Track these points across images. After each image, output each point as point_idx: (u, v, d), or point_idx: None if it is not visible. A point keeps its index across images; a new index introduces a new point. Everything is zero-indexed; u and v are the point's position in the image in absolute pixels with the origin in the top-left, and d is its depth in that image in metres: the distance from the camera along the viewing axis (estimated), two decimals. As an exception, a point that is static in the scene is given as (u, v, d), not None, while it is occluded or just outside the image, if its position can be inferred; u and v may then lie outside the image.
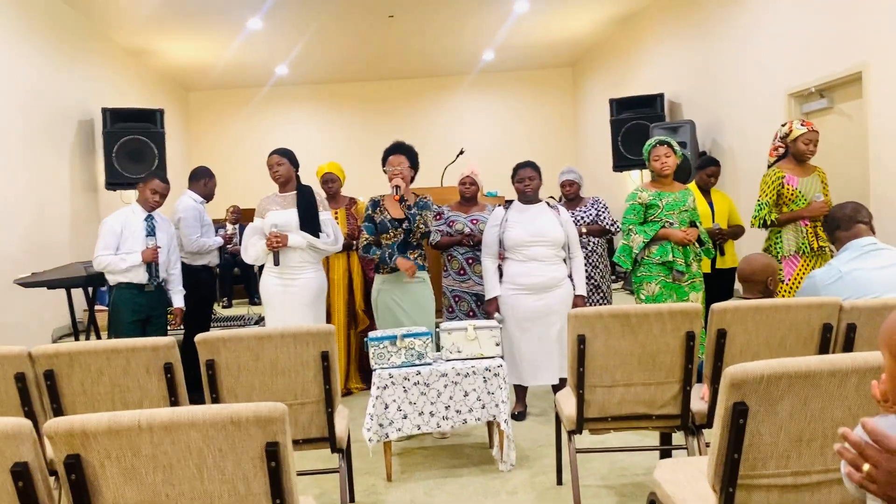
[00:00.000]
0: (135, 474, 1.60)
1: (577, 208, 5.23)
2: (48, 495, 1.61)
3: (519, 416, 4.39)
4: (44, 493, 1.60)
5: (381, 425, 3.48)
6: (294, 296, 4.21)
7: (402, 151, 4.27)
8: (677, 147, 4.23)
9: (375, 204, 4.29)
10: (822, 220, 4.16)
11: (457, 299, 4.80)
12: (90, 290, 5.32)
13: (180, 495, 1.62)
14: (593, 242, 5.25)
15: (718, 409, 1.80)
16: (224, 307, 8.88)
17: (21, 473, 1.55)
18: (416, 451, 3.95)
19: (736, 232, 5.20)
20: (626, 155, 7.77)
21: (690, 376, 2.86)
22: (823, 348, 2.75)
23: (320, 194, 4.49)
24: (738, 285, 4.65)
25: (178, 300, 4.69)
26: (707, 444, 2.92)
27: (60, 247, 6.73)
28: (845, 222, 3.22)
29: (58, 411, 2.70)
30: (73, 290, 5.34)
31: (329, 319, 5.17)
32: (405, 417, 3.50)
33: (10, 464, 1.55)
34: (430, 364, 3.56)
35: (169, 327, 4.76)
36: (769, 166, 4.35)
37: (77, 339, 5.63)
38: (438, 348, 3.72)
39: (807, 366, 1.75)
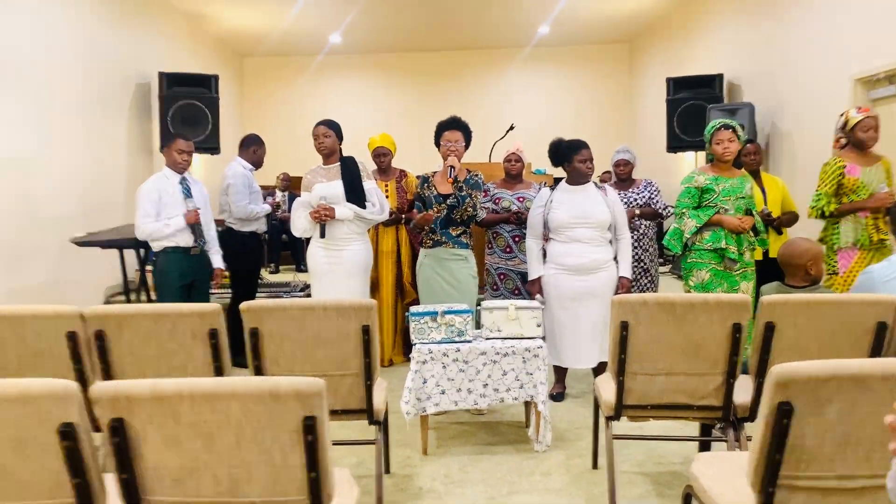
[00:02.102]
0: (175, 440, 1.63)
1: (630, 189, 5.13)
2: (93, 455, 1.66)
3: (557, 396, 4.37)
4: (89, 454, 1.64)
5: (418, 399, 3.50)
6: (340, 267, 4.25)
7: (457, 127, 4.23)
8: (741, 132, 4.09)
9: (425, 181, 4.29)
10: (884, 213, 4.01)
11: (502, 277, 4.78)
12: (142, 250, 5.45)
13: (218, 463, 1.65)
14: (644, 225, 5.16)
15: (762, 408, 1.75)
16: (271, 273, 9.02)
17: (68, 434, 1.60)
18: (453, 426, 3.98)
19: (790, 219, 5.04)
20: (681, 136, 7.59)
21: (735, 369, 2.79)
22: (876, 348, 2.66)
23: (363, 163, 4.49)
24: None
25: (217, 261, 4.69)
26: (748, 438, 2.87)
27: (115, 207, 6.90)
28: None
29: (106, 371, 2.78)
30: (125, 251, 5.48)
31: (377, 291, 5.22)
32: (443, 393, 3.51)
33: (58, 424, 1.60)
34: (469, 341, 3.56)
35: (227, 285, 4.79)
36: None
37: (128, 297, 5.79)
38: (479, 326, 3.72)
39: (858, 368, 1.69)
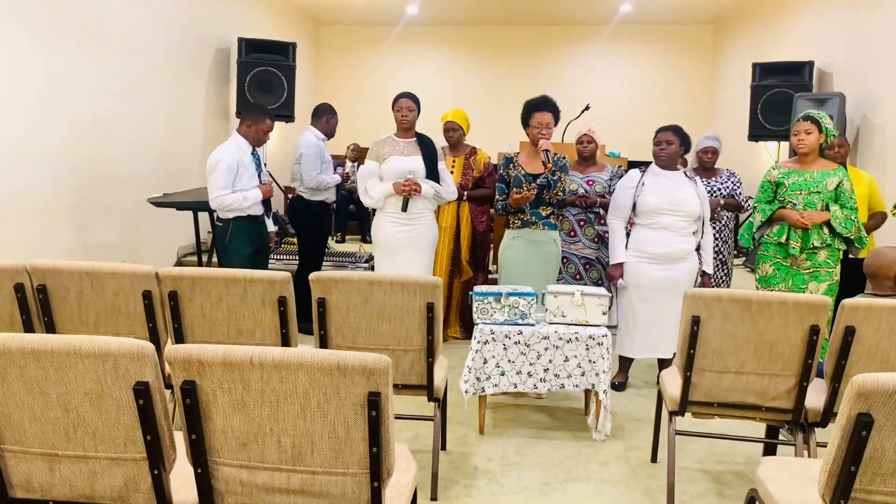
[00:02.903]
0: (243, 406, 1.67)
1: (713, 178, 4.96)
2: (165, 414, 1.71)
3: (619, 386, 4.31)
4: (161, 412, 1.70)
5: (478, 379, 3.50)
6: (411, 241, 4.26)
7: (548, 108, 4.11)
8: (827, 125, 3.89)
9: (508, 161, 4.21)
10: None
11: (565, 261, 4.71)
12: (215, 213, 5.58)
13: (283, 431, 1.68)
14: (726, 217, 5.01)
15: (840, 418, 1.68)
16: (338, 242, 9.14)
17: (142, 392, 1.65)
18: (511, 408, 3.97)
19: (875, 224, 4.78)
20: (765, 124, 7.29)
21: (809, 372, 2.70)
22: (965, 360, 2.52)
23: (436, 142, 4.47)
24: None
25: (269, 224, 4.71)
26: (818, 445, 2.77)
27: (191, 169, 7.08)
28: None
29: (178, 331, 2.87)
30: (199, 213, 5.62)
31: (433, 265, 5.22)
32: (503, 374, 3.50)
33: (134, 382, 1.65)
34: (532, 325, 3.53)
35: (294, 252, 4.81)
36: None
37: (200, 258, 5.96)
38: (544, 310, 3.68)
39: (949, 384, 1.60)
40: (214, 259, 5.84)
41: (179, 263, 6.82)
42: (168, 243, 6.74)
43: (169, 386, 2.16)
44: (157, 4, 6.44)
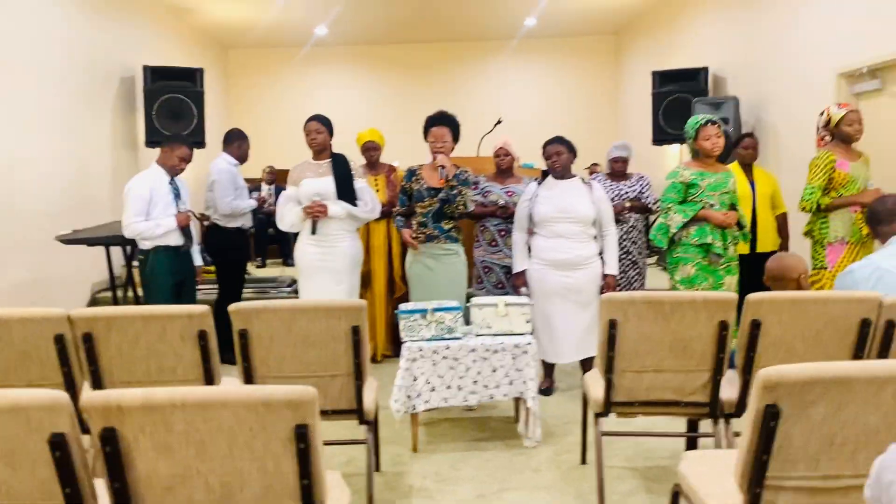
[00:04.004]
0: (167, 449, 1.63)
1: (622, 182, 5.18)
2: (84, 465, 1.66)
3: (546, 391, 4.40)
4: (80, 464, 1.64)
5: (408, 397, 3.52)
6: (330, 264, 4.25)
7: (445, 123, 4.23)
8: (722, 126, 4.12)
9: (412, 174, 4.29)
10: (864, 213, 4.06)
11: (486, 270, 4.79)
12: (129, 247, 5.41)
13: (210, 471, 1.66)
14: (634, 218, 5.20)
15: (750, 411, 1.78)
16: (258, 267, 8.99)
17: (58, 444, 1.59)
18: (442, 422, 4.00)
19: (783, 225, 5.08)
20: (667, 129, 7.60)
21: (721, 365, 2.83)
22: (860, 344, 2.69)
23: (354, 161, 4.49)
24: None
25: (197, 259, 4.70)
26: (735, 434, 2.91)
27: (100, 203, 6.84)
28: (887, 216, 3.11)
29: (95, 374, 2.77)
30: (111, 248, 5.44)
31: (369, 285, 5.22)
32: (433, 390, 3.53)
33: (49, 434, 1.59)
34: (459, 339, 3.58)
35: (213, 280, 4.78)
36: None
37: (115, 294, 5.75)
38: (468, 322, 3.73)
39: (844, 371, 1.72)
40: (130, 294, 5.66)
41: (94, 301, 6.57)
42: (81, 281, 6.49)
43: (86, 431, 2.09)
44: (55, 37, 6.22)
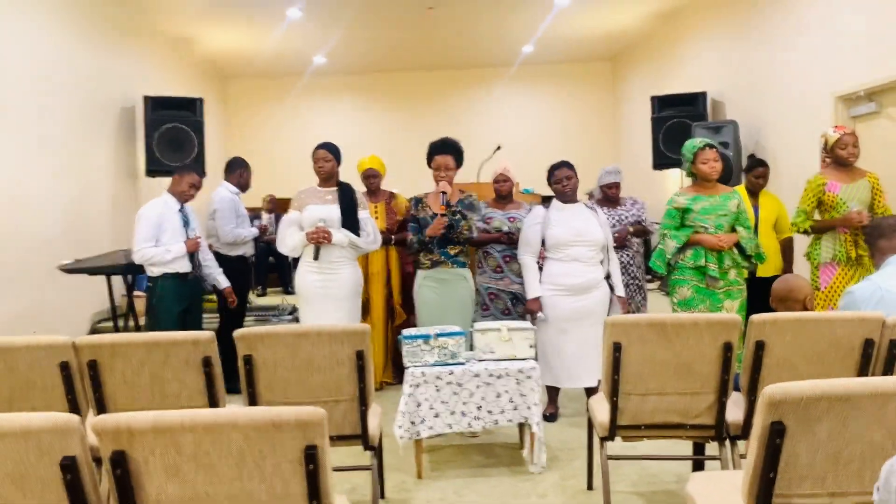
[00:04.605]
0: (177, 472, 1.64)
1: (618, 208, 5.18)
2: (94, 488, 1.66)
3: (551, 417, 4.39)
4: (90, 486, 1.64)
5: (412, 423, 3.51)
6: (331, 291, 4.25)
7: (448, 150, 4.27)
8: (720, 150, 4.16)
9: (418, 202, 4.32)
10: (862, 230, 4.08)
11: (492, 297, 4.79)
12: (129, 276, 5.43)
13: (220, 494, 1.66)
14: (637, 243, 5.22)
15: (755, 428, 1.78)
16: (259, 295, 9.00)
17: (69, 467, 1.60)
18: (447, 449, 3.98)
19: (787, 248, 5.11)
20: (667, 154, 7.67)
21: (727, 387, 2.83)
22: (864, 364, 2.70)
23: (359, 191, 4.52)
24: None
25: (223, 280, 4.80)
26: (741, 456, 2.90)
27: (101, 233, 6.87)
28: (888, 230, 3.13)
29: (100, 400, 2.77)
30: (112, 278, 5.46)
31: (368, 312, 5.21)
32: (437, 416, 3.52)
33: (59, 457, 1.60)
34: (462, 364, 3.58)
35: (213, 310, 4.83)
36: None
37: (116, 324, 5.76)
38: (472, 348, 3.73)
39: (847, 387, 1.73)
40: (132, 324, 5.66)
41: (94, 331, 6.57)
42: (81, 311, 6.49)
43: (95, 459, 2.10)
44: (57, 69, 6.30)
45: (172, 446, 1.61)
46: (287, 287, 9.01)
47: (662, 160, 7.80)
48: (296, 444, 1.63)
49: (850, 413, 1.74)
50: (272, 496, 1.67)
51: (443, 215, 4.19)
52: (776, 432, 1.75)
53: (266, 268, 9.28)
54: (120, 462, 1.62)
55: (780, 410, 1.74)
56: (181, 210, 4.55)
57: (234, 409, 1.64)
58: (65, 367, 2.73)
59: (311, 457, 1.63)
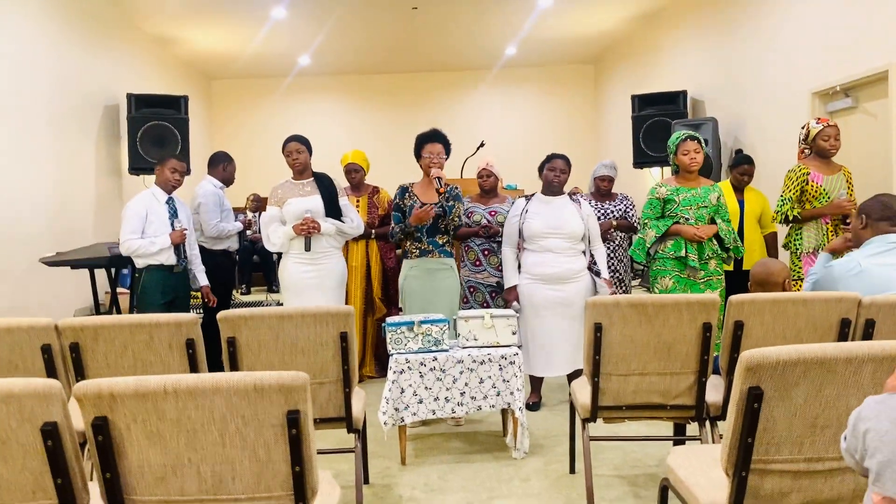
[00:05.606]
0: (159, 438, 1.64)
1: (608, 202, 5.26)
2: (76, 455, 1.65)
3: (534, 406, 4.41)
4: (72, 453, 1.64)
5: (396, 409, 3.52)
6: (319, 280, 4.26)
7: (438, 139, 4.31)
8: (704, 146, 4.22)
9: (404, 191, 4.33)
10: (842, 220, 4.15)
11: (472, 290, 4.82)
12: (112, 270, 5.40)
13: (202, 460, 1.66)
14: (620, 237, 5.28)
15: (733, 394, 1.81)
16: (243, 294, 8.96)
17: (50, 433, 1.59)
18: (431, 437, 3.99)
19: (772, 243, 5.19)
20: (647, 152, 7.74)
21: (706, 367, 2.86)
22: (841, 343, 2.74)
23: (336, 180, 4.53)
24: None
25: (202, 278, 4.79)
26: (721, 436, 2.93)
27: (84, 230, 6.82)
28: (877, 211, 3.14)
29: (82, 383, 2.76)
30: (95, 271, 5.42)
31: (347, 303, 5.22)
32: (420, 402, 3.53)
33: (41, 423, 1.59)
34: (446, 350, 3.59)
35: (198, 305, 4.81)
36: None
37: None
38: (456, 336, 3.75)
39: (823, 352, 1.76)
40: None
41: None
42: (63, 305, 6.43)
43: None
44: (41, 67, 6.26)
45: (154, 412, 1.62)
46: (271, 285, 8.99)
47: (643, 158, 7.87)
48: (278, 409, 1.63)
49: (826, 377, 1.77)
50: (255, 461, 1.67)
51: (439, 196, 4.19)
52: (754, 397, 1.78)
53: (250, 266, 9.25)
54: (101, 428, 1.62)
55: (758, 375, 1.77)
56: (169, 202, 4.53)
57: (217, 374, 1.65)
58: (46, 350, 2.72)
59: (293, 421, 1.63)
